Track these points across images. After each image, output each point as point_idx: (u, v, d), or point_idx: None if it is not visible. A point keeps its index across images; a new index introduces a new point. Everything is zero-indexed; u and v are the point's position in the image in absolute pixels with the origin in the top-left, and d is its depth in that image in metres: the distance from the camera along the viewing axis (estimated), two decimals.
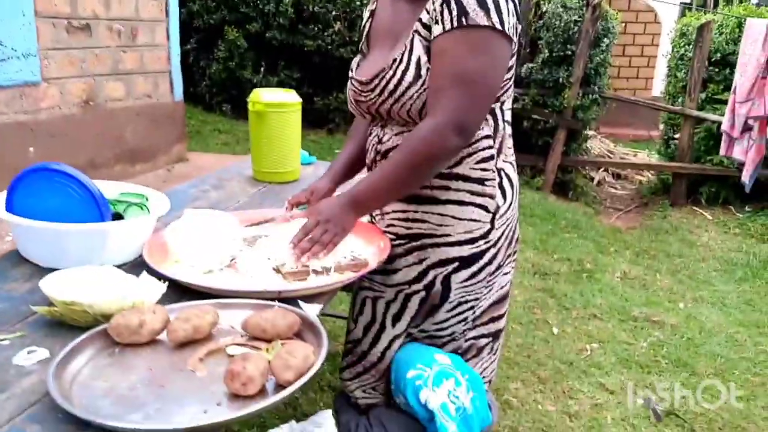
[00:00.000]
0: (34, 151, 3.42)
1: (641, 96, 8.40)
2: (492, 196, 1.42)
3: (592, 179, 6.09)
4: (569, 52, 5.23)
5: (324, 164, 2.32)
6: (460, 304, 1.47)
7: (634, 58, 9.63)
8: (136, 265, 1.31)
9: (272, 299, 1.17)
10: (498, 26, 1.25)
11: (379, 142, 1.47)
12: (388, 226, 1.48)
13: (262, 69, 6.13)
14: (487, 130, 1.40)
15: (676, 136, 5.63)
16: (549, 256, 3.77)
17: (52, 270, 1.21)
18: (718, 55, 5.35)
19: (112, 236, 1.30)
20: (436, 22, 1.28)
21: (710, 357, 2.78)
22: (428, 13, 1.31)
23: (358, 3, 5.87)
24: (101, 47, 3.88)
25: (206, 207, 1.74)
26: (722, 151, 4.95)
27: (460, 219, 1.41)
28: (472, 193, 1.41)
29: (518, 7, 1.33)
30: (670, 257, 4.03)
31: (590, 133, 6.04)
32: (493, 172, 1.42)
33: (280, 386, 0.93)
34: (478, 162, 1.40)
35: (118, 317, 1.03)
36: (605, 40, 5.36)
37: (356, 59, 1.55)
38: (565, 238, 4.09)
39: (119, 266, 1.28)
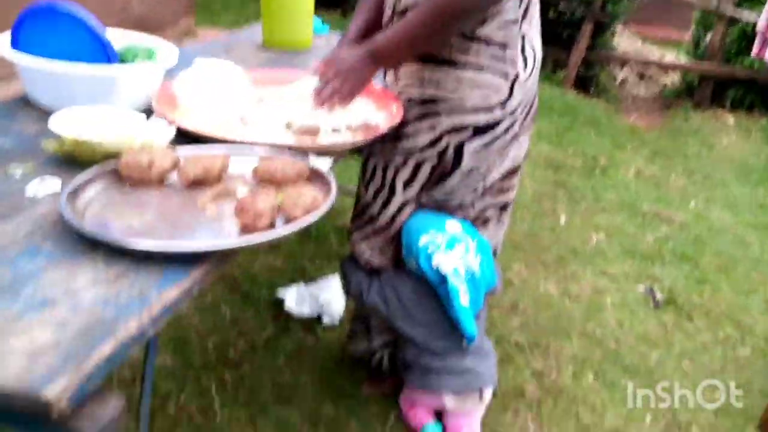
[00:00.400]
0: None
1: None
2: (513, 62, 1.37)
3: (615, 78, 5.89)
4: None
5: (338, 36, 2.23)
6: (471, 172, 1.45)
7: None
8: (145, 114, 1.30)
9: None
10: None
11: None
12: (403, 89, 1.44)
13: None
14: None
15: (708, 36, 5.37)
16: (564, 150, 3.72)
17: None
18: None
19: (120, 80, 1.27)
20: None
21: (715, 254, 2.81)
22: None
23: None
24: None
25: None
26: (754, 52, 4.72)
27: (477, 84, 1.37)
28: (493, 57, 1.36)
29: None
30: (687, 158, 3.97)
31: (618, 28, 5.76)
32: (517, 37, 1.36)
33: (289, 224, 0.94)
34: (501, 25, 1.34)
35: (128, 155, 1.03)
36: None
37: None
38: (582, 133, 4.02)
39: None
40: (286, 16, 2.08)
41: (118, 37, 1.44)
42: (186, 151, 1.12)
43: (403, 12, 1.38)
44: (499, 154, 1.46)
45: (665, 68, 6.02)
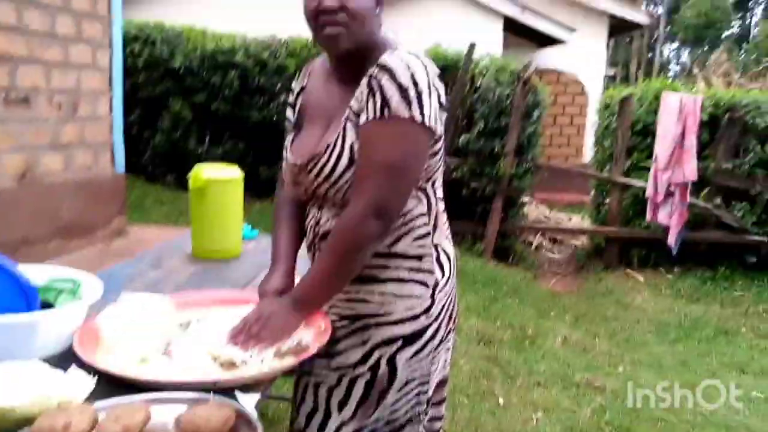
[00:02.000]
0: None
1: (573, 162, 8.83)
2: (431, 272, 1.46)
3: (530, 244, 6.28)
4: (503, 124, 5.48)
5: (267, 238, 2.30)
6: (408, 383, 1.46)
7: (564, 127, 10.19)
8: (66, 357, 1.26)
9: (208, 390, 1.14)
10: (418, 119, 1.29)
11: (317, 224, 1.48)
12: (331, 307, 1.48)
13: (206, 140, 6.13)
14: (421, 208, 1.45)
15: (607, 201, 5.92)
16: (492, 322, 3.82)
17: None
18: (640, 125, 5.72)
19: (41, 327, 1.25)
20: (363, 110, 1.34)
21: (651, 421, 2.85)
22: (357, 100, 1.36)
23: None
24: (41, 120, 3.80)
25: (143, 287, 1.71)
26: (648, 216, 5.21)
27: (401, 296, 1.43)
28: (411, 269, 1.44)
29: (442, 95, 1.38)
30: (607, 320, 4.15)
31: (526, 199, 6.27)
32: (430, 248, 1.46)
33: None
34: (414, 239, 1.44)
35: (42, 420, 0.97)
36: (536, 112, 5.66)
37: (289, 137, 1.56)
38: (507, 303, 4.17)
39: (48, 358, 1.22)
40: (215, 227, 2.15)
41: (40, 273, 1.43)
42: (106, 404, 1.08)
43: (324, 235, 1.45)
44: (431, 359, 1.49)
45: (574, 233, 6.51)
